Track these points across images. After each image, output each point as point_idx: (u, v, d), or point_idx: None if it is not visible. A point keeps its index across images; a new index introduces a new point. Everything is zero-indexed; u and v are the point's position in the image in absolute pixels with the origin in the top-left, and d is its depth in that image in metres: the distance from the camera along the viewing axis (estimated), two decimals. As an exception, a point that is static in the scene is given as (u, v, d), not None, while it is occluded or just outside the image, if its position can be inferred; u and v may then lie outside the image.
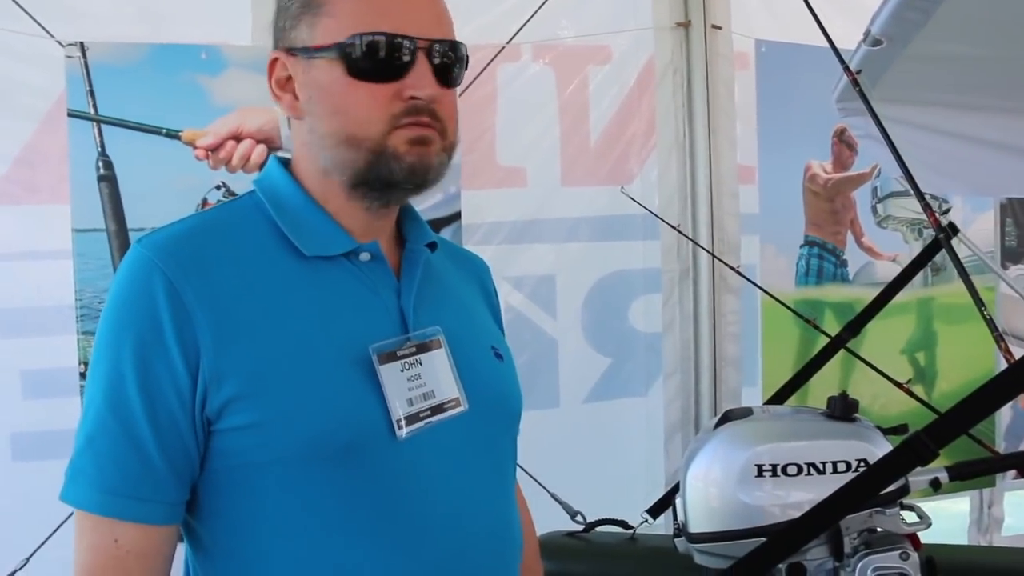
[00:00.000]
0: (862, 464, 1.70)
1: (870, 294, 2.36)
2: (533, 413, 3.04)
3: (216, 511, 1.12)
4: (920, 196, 1.75)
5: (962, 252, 3.49)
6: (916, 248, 3.50)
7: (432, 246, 1.26)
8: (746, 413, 1.85)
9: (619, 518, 2.40)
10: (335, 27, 1.14)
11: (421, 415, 1.14)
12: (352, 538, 1.09)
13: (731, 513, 1.72)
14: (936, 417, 1.22)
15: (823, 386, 3.13)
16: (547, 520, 2.52)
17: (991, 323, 1.60)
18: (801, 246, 3.28)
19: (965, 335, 3.53)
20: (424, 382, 1.15)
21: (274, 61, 1.20)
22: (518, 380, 1.34)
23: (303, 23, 1.17)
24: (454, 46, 1.16)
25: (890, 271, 3.29)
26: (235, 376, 1.07)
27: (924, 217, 2.89)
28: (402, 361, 1.14)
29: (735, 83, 3.20)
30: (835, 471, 1.71)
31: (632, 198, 2.68)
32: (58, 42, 2.55)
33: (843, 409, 1.79)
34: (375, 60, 1.12)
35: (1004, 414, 3.71)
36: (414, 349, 1.16)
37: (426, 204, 2.77)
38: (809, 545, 1.71)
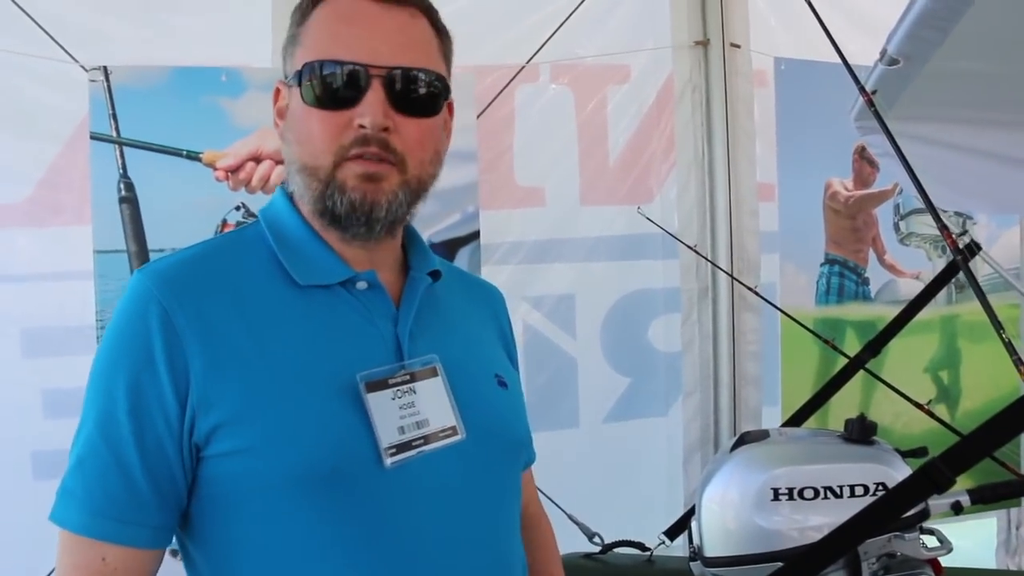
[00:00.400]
0: (880, 488, 1.69)
1: (893, 312, 2.34)
2: (552, 433, 3.10)
3: (208, 537, 1.13)
4: (936, 215, 1.74)
5: (986, 269, 3.47)
6: (940, 265, 3.47)
7: (435, 274, 1.26)
8: (762, 436, 1.84)
9: (638, 539, 2.38)
10: (301, 56, 1.16)
11: (413, 444, 1.12)
12: (338, 567, 1.09)
13: (747, 537, 1.72)
14: (954, 442, 1.21)
15: (844, 406, 3.11)
16: (565, 541, 2.49)
17: (1009, 346, 1.58)
18: (822, 264, 3.26)
19: (990, 353, 3.49)
20: (418, 410, 1.14)
21: (277, 90, 1.22)
22: (523, 410, 1.33)
23: (288, 53, 1.19)
24: (418, 73, 1.14)
25: (913, 289, 3.26)
26: (222, 403, 1.07)
27: (971, 238, 2.88)
28: (394, 389, 1.13)
29: (754, 101, 3.19)
30: (852, 495, 1.69)
31: (648, 218, 2.68)
32: (82, 67, 2.59)
33: (861, 432, 1.77)
34: (326, 88, 1.12)
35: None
36: (408, 377, 1.15)
37: (444, 224, 2.78)
38: (827, 570, 1.70)
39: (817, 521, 1.70)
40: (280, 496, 1.07)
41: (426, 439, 1.14)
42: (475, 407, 1.20)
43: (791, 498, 1.69)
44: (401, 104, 1.13)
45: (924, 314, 3.23)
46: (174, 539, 1.15)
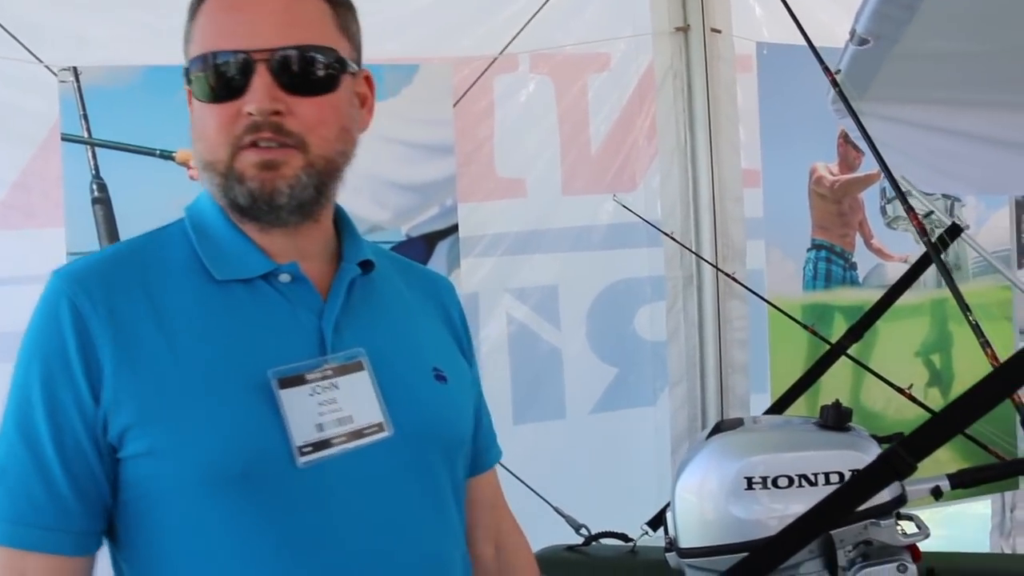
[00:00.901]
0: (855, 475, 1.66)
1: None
2: (539, 425, 3.07)
3: (129, 543, 1.10)
4: (903, 199, 1.72)
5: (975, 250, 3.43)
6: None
7: (367, 264, 1.23)
8: (736, 424, 1.81)
9: (627, 530, 2.36)
10: (191, 53, 1.14)
11: (334, 441, 1.09)
12: (253, 570, 1.06)
13: (722, 527, 1.69)
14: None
15: (834, 392, 3.07)
16: (552, 534, 2.49)
17: (976, 328, 1.56)
18: (808, 250, 3.23)
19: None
20: (340, 407, 1.11)
21: (189, 92, 1.19)
22: (467, 405, 1.29)
23: (185, 53, 1.16)
24: (307, 51, 1.12)
25: (902, 273, 3.23)
26: (132, 403, 1.05)
27: (936, 215, 2.85)
28: (313, 385, 1.10)
29: (737, 87, 3.16)
30: (827, 482, 1.66)
31: (624, 206, 2.65)
32: (47, 67, 2.56)
33: (836, 418, 1.74)
34: (213, 81, 1.10)
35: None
36: (330, 372, 1.12)
37: (423, 218, 2.76)
38: (801, 558, 1.68)
39: (793, 509, 1.66)
40: (192, 499, 1.05)
41: (349, 436, 1.10)
42: (406, 403, 1.16)
43: (765, 487, 1.66)
44: (292, 85, 1.11)
45: (914, 297, 3.22)
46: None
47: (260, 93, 1.09)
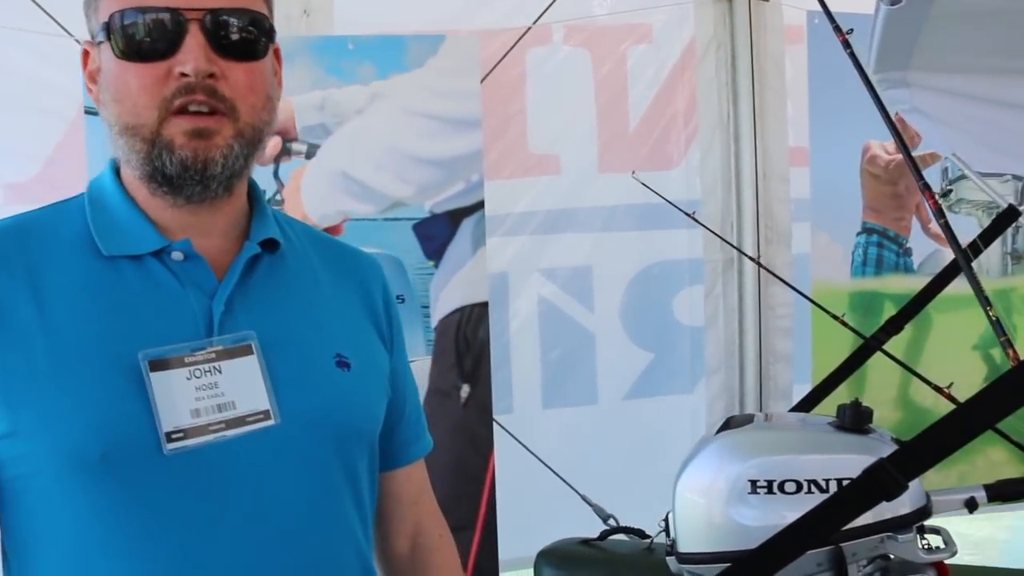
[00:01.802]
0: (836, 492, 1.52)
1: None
2: (568, 410, 2.97)
3: (7, 524, 1.07)
4: (919, 176, 1.56)
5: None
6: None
7: (271, 243, 1.15)
8: (746, 421, 1.69)
9: (655, 524, 2.25)
10: (106, 7, 1.06)
11: (211, 428, 1.03)
12: (114, 560, 1.01)
13: (723, 532, 1.56)
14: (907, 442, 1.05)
15: (882, 387, 2.92)
16: (579, 523, 2.40)
17: (997, 324, 1.41)
18: (858, 234, 3.05)
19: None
20: (222, 392, 1.04)
21: (85, 53, 1.13)
22: (374, 393, 1.21)
23: (91, 9, 1.10)
24: (240, 14, 1.06)
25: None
26: (1, 383, 1.01)
27: (1001, 200, 2.65)
28: (192, 368, 1.04)
29: (785, 58, 2.99)
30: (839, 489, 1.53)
31: (644, 184, 2.51)
32: (76, 40, 2.53)
33: (854, 419, 1.61)
34: (138, 38, 1.04)
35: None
36: (213, 355, 1.05)
37: (447, 194, 2.66)
38: (809, 571, 1.55)
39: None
40: (56, 483, 1.01)
41: (228, 424, 1.04)
42: (299, 390, 1.09)
43: (770, 491, 1.54)
44: (224, 48, 1.05)
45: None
46: None
47: (196, 53, 1.03)
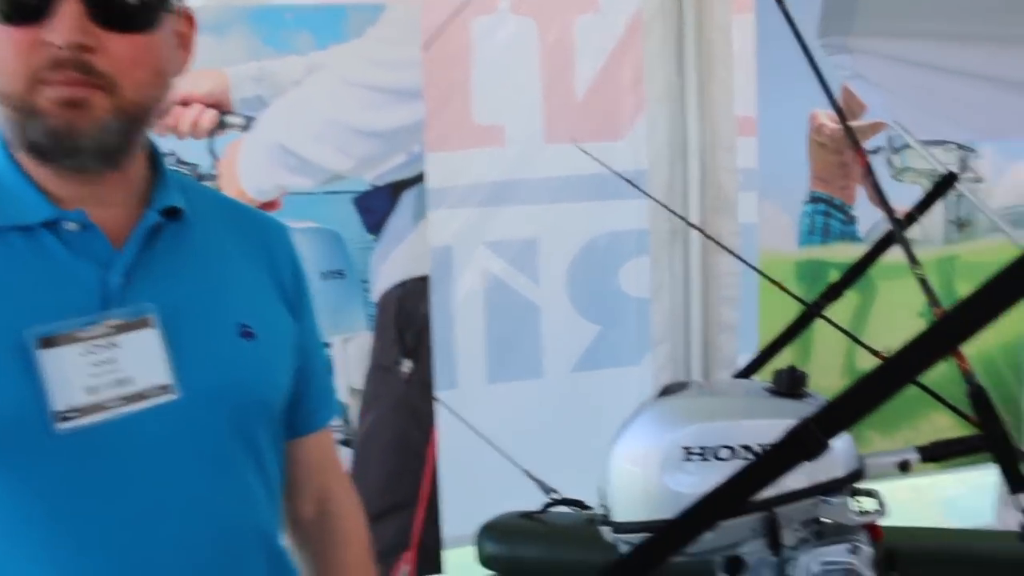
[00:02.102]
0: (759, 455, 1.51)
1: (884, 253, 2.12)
2: (514, 384, 2.94)
3: None
4: (854, 141, 1.54)
5: (1000, 202, 3.21)
6: (939, 203, 3.23)
7: (172, 211, 1.11)
8: (682, 387, 1.67)
9: (591, 497, 2.24)
10: None
11: (108, 405, 0.99)
12: (10, 543, 0.98)
13: (657, 501, 1.54)
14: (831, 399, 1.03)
15: (828, 354, 2.92)
16: (525, 498, 2.38)
17: (924, 285, 1.39)
18: (805, 203, 3.05)
19: (993, 296, 3.26)
20: (120, 367, 1.01)
21: None
22: (280, 362, 1.19)
23: None
24: None
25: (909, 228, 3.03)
26: None
27: (942, 168, 2.65)
28: (86, 344, 1.00)
29: (733, 28, 2.95)
30: (777, 453, 1.52)
31: (586, 151, 2.47)
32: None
33: (789, 384, 1.59)
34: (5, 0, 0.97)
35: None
36: (110, 329, 1.01)
37: (387, 167, 2.61)
38: (742, 537, 1.54)
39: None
40: None
41: (126, 400, 1.00)
42: (201, 363, 1.06)
43: (705, 458, 1.52)
44: (104, 17, 0.98)
45: (920, 254, 3.02)
46: None
47: (67, 22, 0.96)
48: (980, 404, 1.56)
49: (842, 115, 1.73)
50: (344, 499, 1.36)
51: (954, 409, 1.69)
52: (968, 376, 1.59)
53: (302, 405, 1.26)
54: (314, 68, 2.52)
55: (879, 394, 0.97)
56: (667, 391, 1.67)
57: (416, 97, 2.61)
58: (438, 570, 2.68)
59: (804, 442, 0.98)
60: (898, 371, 0.97)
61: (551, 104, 2.94)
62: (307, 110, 2.52)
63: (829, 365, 2.85)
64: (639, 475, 1.56)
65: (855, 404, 0.98)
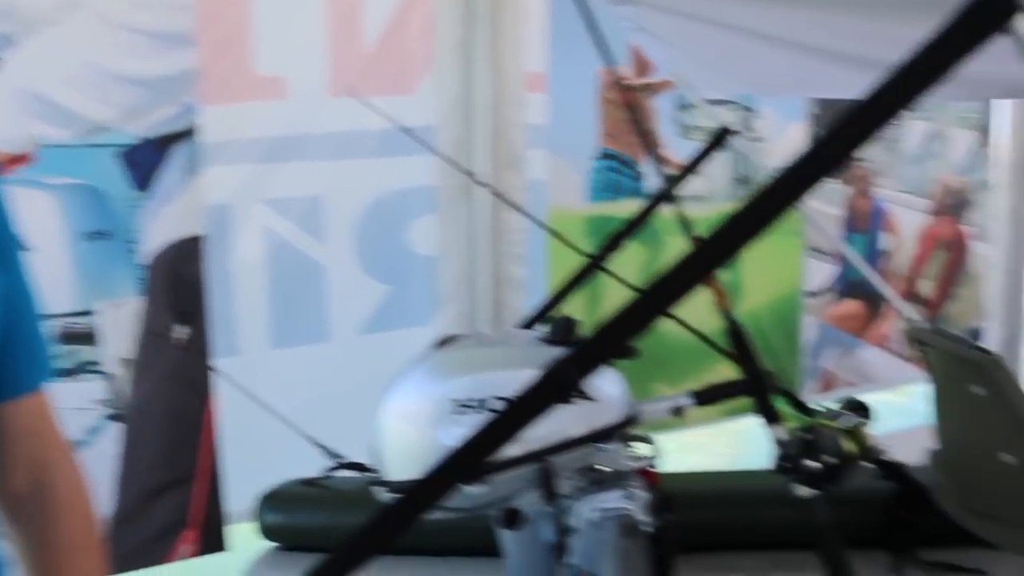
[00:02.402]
0: (579, 395, 1.48)
1: (670, 210, 2.13)
2: (301, 349, 2.82)
3: None
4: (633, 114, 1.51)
5: (775, 161, 3.32)
6: (725, 159, 3.33)
7: None
8: (453, 340, 1.62)
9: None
10: None
11: None
12: None
13: (430, 457, 1.47)
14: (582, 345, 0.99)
15: (615, 307, 2.95)
16: (314, 467, 2.27)
17: (683, 221, 1.39)
18: (596, 159, 3.06)
19: (773, 250, 3.39)
20: None
21: None
22: None
23: None
24: None
25: (694, 185, 3.09)
26: None
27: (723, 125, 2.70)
28: None
29: (521, -19, 2.91)
30: (549, 403, 1.48)
31: (371, 106, 2.37)
32: None
33: (563, 332, 1.56)
34: None
35: (809, 329, 3.61)
36: None
37: (155, 118, 2.42)
38: (517, 488, 1.50)
39: (509, 435, 1.47)
40: None
41: None
42: None
43: (477, 410, 1.47)
44: None
45: (699, 210, 3.09)
46: None
47: None
48: (737, 340, 1.57)
49: (613, 67, 1.72)
50: (63, 468, 1.21)
51: (713, 345, 1.70)
52: (726, 313, 1.60)
53: (7, 365, 1.13)
54: (71, 5, 2.30)
55: (629, 330, 0.93)
56: (440, 344, 1.61)
57: (187, 43, 2.43)
58: (221, 547, 2.54)
59: (559, 383, 0.92)
60: (646, 305, 0.94)
61: (337, 55, 2.81)
62: (62, 53, 2.30)
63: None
64: (411, 432, 1.50)
65: (610, 340, 0.94)
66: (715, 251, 0.91)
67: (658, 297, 0.93)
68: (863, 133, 0.82)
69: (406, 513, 1.04)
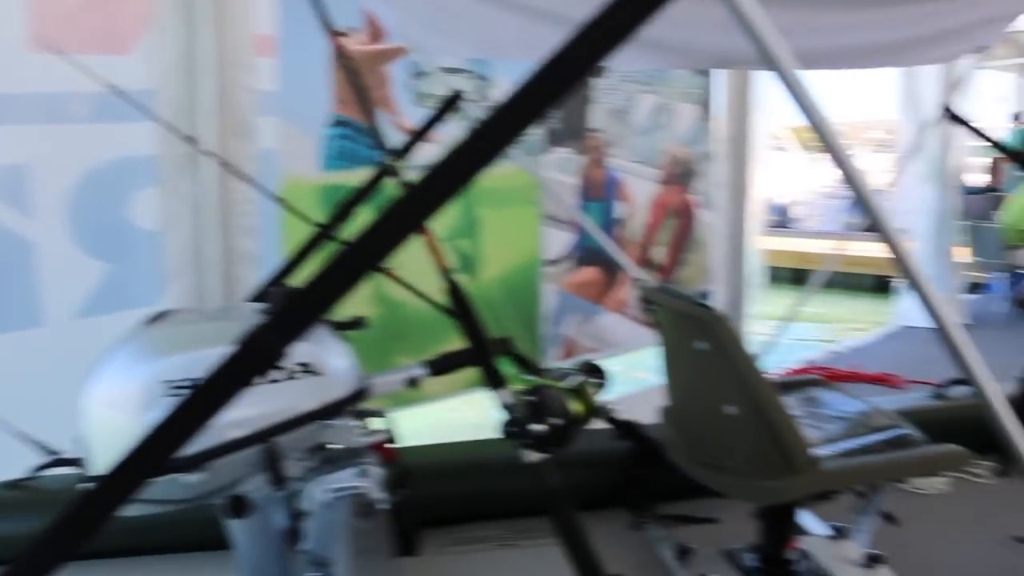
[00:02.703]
0: (303, 368, 1.40)
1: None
2: (8, 336, 2.55)
3: None
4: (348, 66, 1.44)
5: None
6: (460, 127, 3.31)
7: None
8: (162, 317, 1.49)
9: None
10: None
11: None
12: None
13: (140, 445, 1.37)
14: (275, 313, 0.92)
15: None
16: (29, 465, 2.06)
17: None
18: (329, 127, 2.96)
19: (511, 220, 3.43)
20: None
21: None
22: None
23: None
24: None
25: (429, 151, 3.06)
26: None
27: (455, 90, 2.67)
28: None
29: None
30: (272, 381, 1.39)
31: (77, 66, 2.16)
32: None
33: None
34: None
35: (549, 297, 3.69)
36: None
37: None
38: (241, 473, 1.40)
39: (231, 417, 1.37)
40: None
41: None
42: None
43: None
44: None
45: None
46: None
47: None
48: (456, 298, 1.54)
49: (332, 30, 1.65)
50: None
51: (435, 304, 1.66)
52: (445, 271, 1.57)
53: None
54: None
55: (336, 287, 0.87)
56: (150, 322, 1.49)
57: None
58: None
59: (259, 354, 0.85)
60: (351, 261, 0.88)
61: (38, 6, 2.55)
62: None
63: (361, 294, 2.80)
64: (119, 419, 1.37)
65: (312, 303, 0.87)
66: (421, 204, 0.87)
67: (361, 253, 0.87)
68: (554, 91, 0.82)
69: (93, 512, 0.93)
